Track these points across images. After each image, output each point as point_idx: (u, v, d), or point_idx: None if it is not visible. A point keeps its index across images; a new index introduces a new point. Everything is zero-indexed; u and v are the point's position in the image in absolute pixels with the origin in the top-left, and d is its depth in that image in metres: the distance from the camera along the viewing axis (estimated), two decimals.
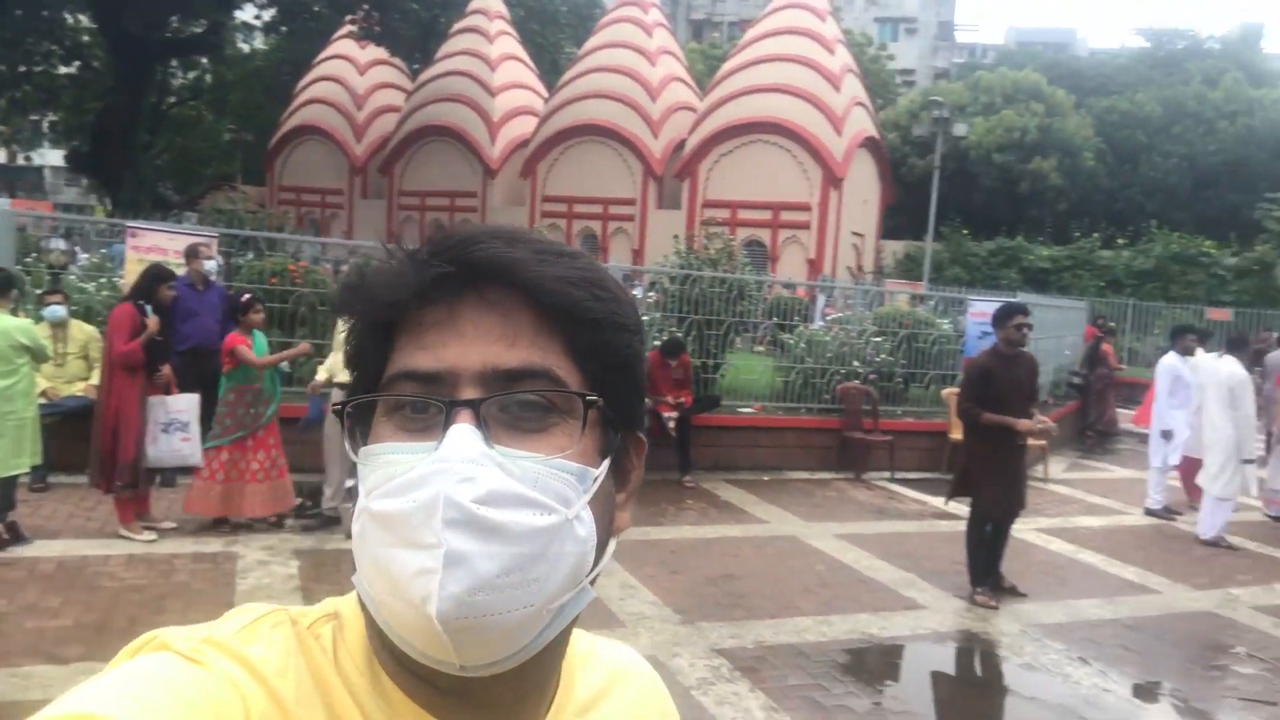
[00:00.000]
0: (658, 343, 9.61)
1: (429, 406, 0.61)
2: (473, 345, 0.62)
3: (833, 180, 25.02)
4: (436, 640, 0.57)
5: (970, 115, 32.86)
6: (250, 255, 9.32)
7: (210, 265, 7.20)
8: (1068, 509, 9.21)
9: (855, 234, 26.86)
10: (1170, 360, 9.10)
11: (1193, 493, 9.22)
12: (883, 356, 10.90)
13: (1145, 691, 4.95)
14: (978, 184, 33.46)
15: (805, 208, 25.31)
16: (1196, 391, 8.78)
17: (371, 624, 0.62)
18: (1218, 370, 8.25)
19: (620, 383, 0.66)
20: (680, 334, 9.69)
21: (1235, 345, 8.45)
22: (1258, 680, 5.19)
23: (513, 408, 0.61)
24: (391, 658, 0.63)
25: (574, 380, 0.63)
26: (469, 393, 0.61)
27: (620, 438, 0.68)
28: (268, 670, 0.60)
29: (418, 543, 0.56)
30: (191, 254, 7.15)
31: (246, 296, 6.44)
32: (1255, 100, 34.16)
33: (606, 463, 0.65)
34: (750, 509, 8.19)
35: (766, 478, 9.47)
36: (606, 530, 0.65)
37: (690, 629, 5.18)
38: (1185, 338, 9.27)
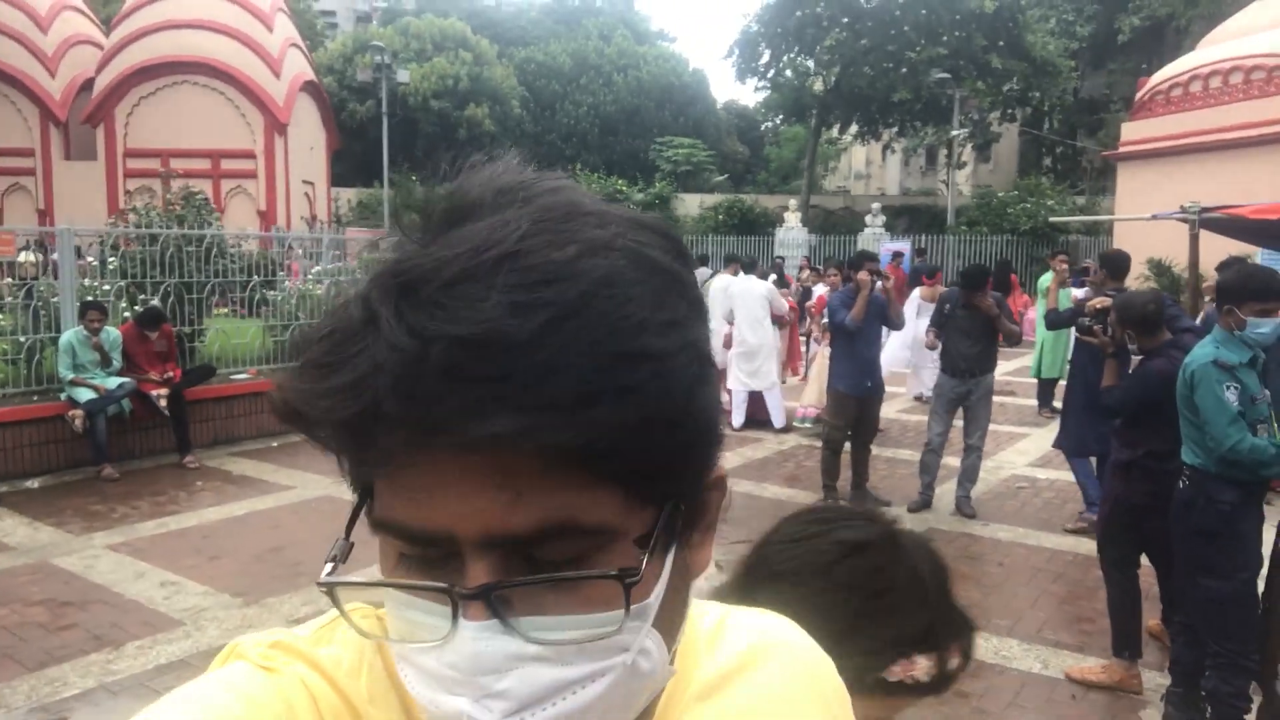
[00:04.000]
0: (128, 315, 8.57)
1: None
2: (467, 501, 0.47)
3: (276, 126, 23.73)
4: None
5: (404, 61, 33.37)
6: None
7: None
8: None
9: (306, 182, 25.89)
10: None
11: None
12: None
13: None
14: (419, 130, 34.32)
15: (250, 155, 23.68)
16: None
17: None
18: (751, 289, 10.01)
19: (685, 441, 0.51)
20: (156, 301, 8.70)
21: (749, 267, 10.39)
22: None
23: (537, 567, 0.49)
24: None
25: (613, 504, 0.49)
26: (478, 563, 0.48)
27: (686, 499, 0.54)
28: (339, 670, 0.59)
29: None
30: None
31: None
32: (640, 56, 39.87)
33: (669, 563, 0.53)
34: (270, 478, 7.80)
35: (275, 444, 9.03)
36: (683, 604, 0.57)
37: (258, 608, 4.93)
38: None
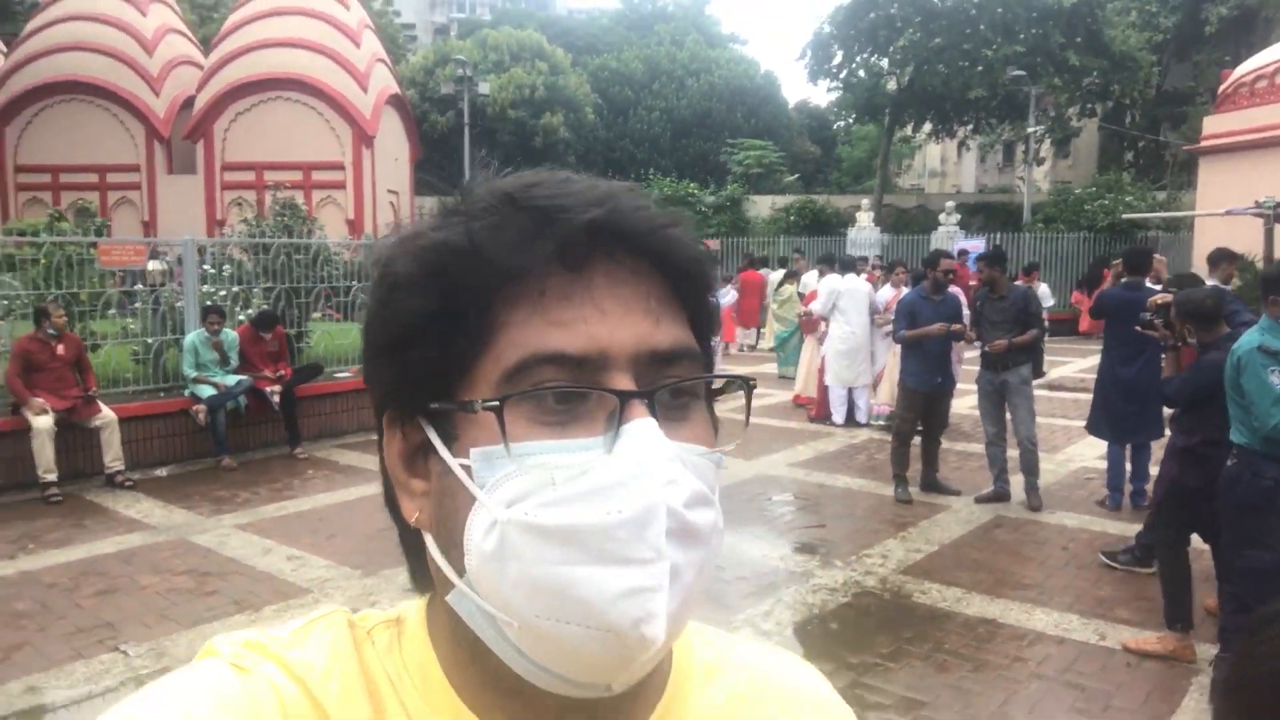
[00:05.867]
0: (242, 318, 9.31)
1: (573, 395, 0.54)
2: (620, 322, 0.55)
3: (364, 138, 24.80)
4: (622, 664, 0.52)
5: (483, 73, 34.34)
6: None
7: None
8: None
9: (391, 191, 26.94)
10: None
11: None
12: None
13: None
14: (497, 139, 35.27)
15: (338, 167, 24.79)
16: None
17: (456, 643, 0.59)
18: (858, 288, 10.01)
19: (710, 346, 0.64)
20: (268, 305, 9.43)
21: (848, 266, 10.57)
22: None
23: (666, 396, 0.56)
24: (481, 679, 0.58)
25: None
26: (624, 379, 0.54)
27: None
28: (310, 673, 0.59)
29: (626, 558, 0.50)
30: None
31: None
32: (712, 60, 40.21)
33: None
34: (373, 467, 8.31)
35: (376, 437, 9.66)
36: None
37: (376, 579, 5.48)
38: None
